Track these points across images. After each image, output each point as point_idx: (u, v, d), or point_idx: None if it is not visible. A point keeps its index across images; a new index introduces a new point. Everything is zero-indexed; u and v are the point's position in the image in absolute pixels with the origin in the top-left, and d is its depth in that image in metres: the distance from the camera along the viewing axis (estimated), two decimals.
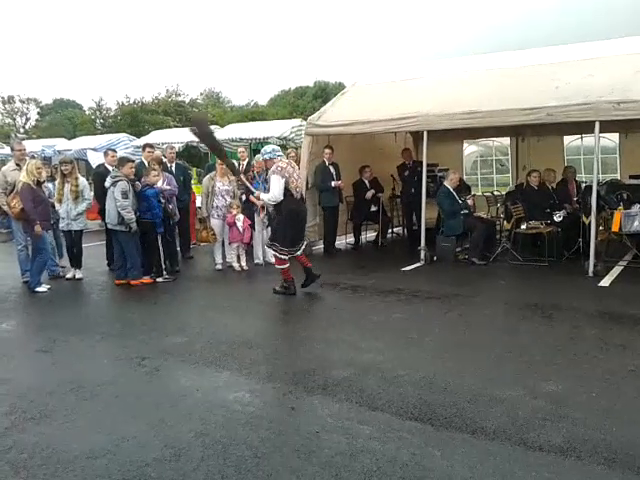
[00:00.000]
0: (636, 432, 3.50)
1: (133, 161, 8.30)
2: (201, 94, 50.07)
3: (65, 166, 8.25)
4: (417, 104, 9.23)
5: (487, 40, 70.00)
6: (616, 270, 8.15)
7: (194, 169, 15.25)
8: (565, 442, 3.41)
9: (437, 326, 5.97)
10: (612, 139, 12.21)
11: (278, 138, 14.76)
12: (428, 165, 9.80)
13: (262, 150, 7.72)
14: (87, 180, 9.20)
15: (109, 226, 8.12)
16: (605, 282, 7.54)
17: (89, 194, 8.57)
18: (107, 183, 7.94)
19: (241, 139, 15.46)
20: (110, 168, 8.56)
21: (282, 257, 7.25)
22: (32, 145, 21.14)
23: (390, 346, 5.33)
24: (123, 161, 8.18)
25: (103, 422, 3.84)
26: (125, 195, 7.72)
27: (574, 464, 3.18)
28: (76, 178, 8.28)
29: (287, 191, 7.06)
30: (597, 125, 7.79)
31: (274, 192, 7.05)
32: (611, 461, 3.18)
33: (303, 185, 7.49)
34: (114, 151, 9.32)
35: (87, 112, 44.59)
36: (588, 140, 11.29)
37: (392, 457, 3.29)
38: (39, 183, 7.88)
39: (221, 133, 16.84)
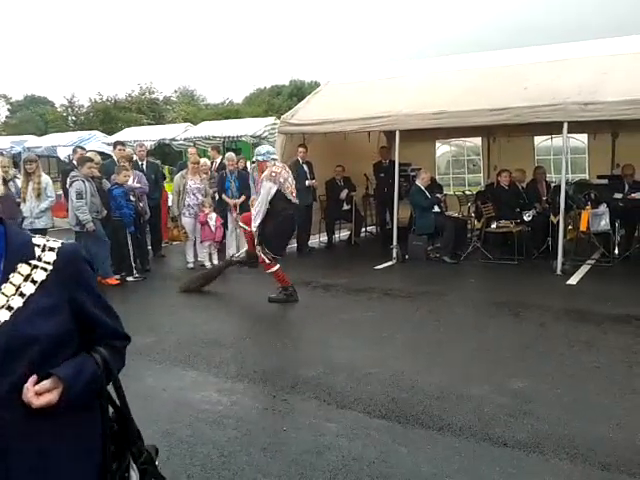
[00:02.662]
0: (598, 428, 3.57)
1: (92, 160, 8.16)
2: (175, 92, 49.51)
3: (29, 165, 8.11)
4: (389, 104, 9.28)
5: (462, 40, 70.65)
6: (584, 269, 8.29)
7: (166, 167, 15.08)
8: (529, 438, 3.45)
9: (407, 324, 6.00)
10: (581, 140, 12.42)
11: (252, 136, 14.69)
12: (401, 165, 9.86)
13: (256, 150, 7.38)
14: (59, 177, 9.06)
15: (71, 227, 8.02)
16: (573, 280, 7.66)
17: (52, 192, 8.43)
18: (67, 184, 7.83)
19: (214, 137, 15.35)
20: None
21: (268, 261, 6.88)
22: (0, 142, 20.76)
23: (360, 344, 5.34)
24: (82, 160, 8.05)
25: None
26: (80, 196, 7.59)
27: (537, 459, 3.23)
28: (39, 176, 8.15)
29: (282, 195, 6.72)
30: (565, 126, 7.90)
31: (261, 201, 6.69)
32: (573, 456, 3.24)
33: (295, 191, 7.00)
34: (83, 149, 9.20)
35: (59, 109, 43.83)
36: (558, 141, 11.44)
37: (359, 454, 3.30)
38: (5, 181, 7.73)
39: (194, 131, 16.74)
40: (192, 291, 7.45)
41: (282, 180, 6.71)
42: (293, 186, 6.92)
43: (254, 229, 6.89)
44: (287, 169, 7.07)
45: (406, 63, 11.83)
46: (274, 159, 7.00)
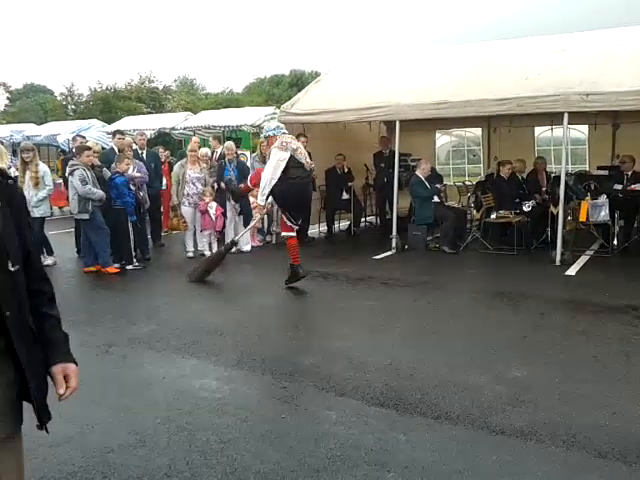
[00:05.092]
0: (595, 416, 3.59)
1: (90, 148, 8.15)
2: (175, 81, 49.41)
3: (26, 153, 8.08)
4: (390, 94, 9.26)
5: (464, 31, 70.33)
6: (582, 259, 8.30)
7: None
8: (526, 426, 3.47)
9: (406, 313, 6.03)
10: (582, 131, 12.41)
11: (251, 126, 14.68)
12: (401, 155, 9.85)
13: (265, 127, 7.31)
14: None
15: (73, 215, 8.01)
16: (571, 271, 7.67)
17: (50, 180, 8.43)
18: (66, 172, 7.82)
19: (214, 126, 15.33)
20: None
21: (289, 223, 6.86)
22: (0, 130, 20.71)
23: (359, 333, 5.36)
24: (81, 149, 8.03)
25: (67, 410, 3.78)
26: (84, 182, 7.58)
27: (534, 447, 3.25)
28: (36, 165, 8.14)
29: (296, 162, 6.62)
30: (566, 116, 7.90)
31: (269, 170, 6.58)
32: (569, 444, 3.26)
33: (310, 161, 6.92)
34: (83, 137, 9.18)
35: (58, 98, 43.69)
36: (558, 131, 11.43)
37: (357, 442, 3.32)
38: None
39: (194, 120, 16.71)
40: (201, 281, 7.40)
41: (294, 147, 6.63)
42: (306, 155, 6.82)
43: (261, 202, 6.83)
44: (297, 140, 7.00)
45: (406, 53, 11.79)
46: (284, 132, 6.90)
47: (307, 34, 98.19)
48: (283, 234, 7.05)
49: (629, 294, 6.42)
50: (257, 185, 7.00)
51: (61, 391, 1.85)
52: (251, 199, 9.43)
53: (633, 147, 9.74)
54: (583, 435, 3.35)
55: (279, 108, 11.45)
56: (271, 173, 6.59)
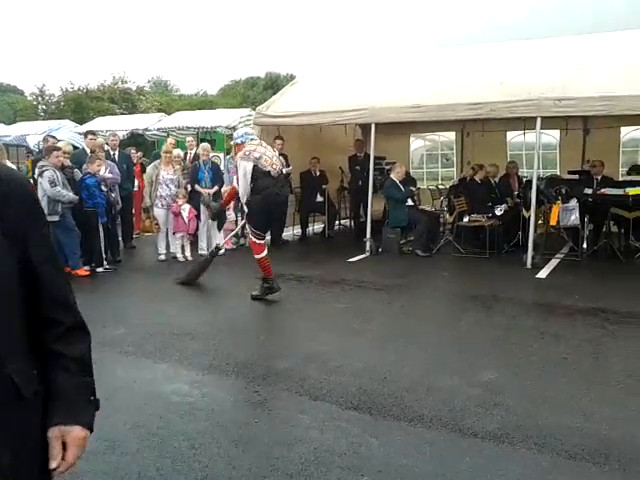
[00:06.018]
0: (566, 418, 3.62)
1: (59, 149, 7.99)
2: (149, 82, 48.96)
3: None
4: (365, 97, 9.30)
5: (441, 35, 70.99)
6: (553, 262, 8.42)
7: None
8: (499, 429, 3.49)
9: (379, 316, 6.03)
10: (553, 135, 12.60)
11: (226, 127, 14.58)
12: (376, 158, 9.89)
13: (234, 134, 7.27)
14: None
15: None
16: (542, 274, 7.77)
17: None
18: (35, 174, 7.66)
19: (188, 127, 15.17)
20: None
21: (258, 241, 6.63)
22: None
23: (332, 336, 5.34)
24: (49, 150, 7.88)
25: None
26: (53, 183, 7.43)
27: (506, 449, 3.27)
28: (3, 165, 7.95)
29: (261, 171, 6.42)
30: (539, 121, 8.01)
31: (241, 182, 6.48)
32: (541, 446, 3.28)
33: (279, 164, 6.69)
34: (54, 137, 9.01)
35: (29, 98, 42.92)
36: (530, 136, 11.59)
37: (330, 446, 3.30)
38: None
39: (168, 121, 16.54)
40: (191, 284, 7.30)
41: (257, 156, 6.44)
42: (273, 159, 6.61)
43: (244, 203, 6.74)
44: (264, 145, 6.82)
45: (382, 56, 11.85)
46: (252, 139, 6.73)
47: (283, 37, 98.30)
48: (256, 256, 6.69)
49: (598, 297, 6.53)
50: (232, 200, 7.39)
51: (53, 465, 1.37)
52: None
53: (603, 152, 9.94)
54: (554, 437, 3.38)
55: (255, 110, 11.40)
56: (244, 184, 6.50)
